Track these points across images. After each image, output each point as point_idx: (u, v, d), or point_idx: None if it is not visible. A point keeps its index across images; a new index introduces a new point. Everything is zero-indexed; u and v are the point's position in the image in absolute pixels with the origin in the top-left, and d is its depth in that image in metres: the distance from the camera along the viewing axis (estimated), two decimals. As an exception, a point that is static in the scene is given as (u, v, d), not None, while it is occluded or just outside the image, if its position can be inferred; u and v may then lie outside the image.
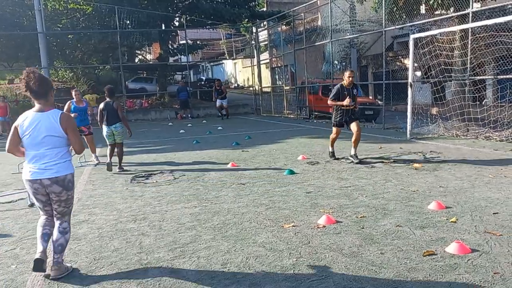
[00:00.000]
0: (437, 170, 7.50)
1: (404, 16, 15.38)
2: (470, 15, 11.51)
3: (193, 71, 45.27)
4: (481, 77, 12.62)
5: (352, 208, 5.46)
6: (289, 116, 22.32)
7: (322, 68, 24.88)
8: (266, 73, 32.38)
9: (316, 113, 20.41)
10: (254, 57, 28.12)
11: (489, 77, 13.18)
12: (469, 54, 11.58)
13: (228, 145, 12.04)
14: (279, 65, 30.86)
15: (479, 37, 11.94)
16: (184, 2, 27.47)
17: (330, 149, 9.06)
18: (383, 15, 14.93)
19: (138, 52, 38.31)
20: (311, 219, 5.07)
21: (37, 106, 3.84)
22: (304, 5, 23.07)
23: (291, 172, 7.81)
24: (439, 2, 13.47)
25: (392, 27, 15.87)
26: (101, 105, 9.04)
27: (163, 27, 27.58)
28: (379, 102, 19.23)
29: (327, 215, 5.03)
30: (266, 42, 29.25)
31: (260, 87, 26.80)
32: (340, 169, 8.04)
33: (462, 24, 12.12)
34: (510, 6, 14.12)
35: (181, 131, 16.76)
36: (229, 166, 8.79)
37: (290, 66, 26.34)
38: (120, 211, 5.90)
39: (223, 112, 22.23)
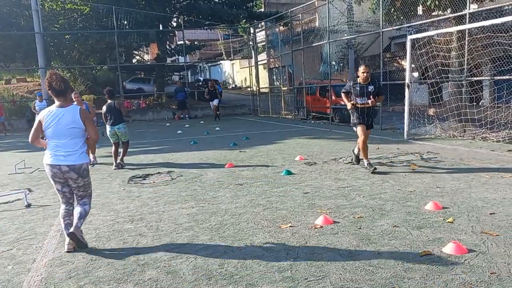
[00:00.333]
0: (434, 171, 7.52)
1: (402, 17, 15.41)
2: (467, 16, 11.54)
3: (190, 71, 45.27)
4: (478, 78, 12.66)
5: (349, 209, 5.47)
6: (287, 116, 22.32)
7: (320, 69, 24.89)
8: (263, 74, 32.39)
9: (314, 114, 20.43)
10: (251, 58, 28.14)
11: (486, 78, 13.21)
12: (466, 55, 11.61)
13: (225, 145, 12.04)
14: (277, 65, 30.86)
15: (476, 38, 11.97)
16: (182, 2, 27.46)
17: (365, 161, 7.72)
18: (381, 16, 14.96)
19: (136, 52, 38.25)
20: (309, 220, 5.08)
21: (57, 102, 4.43)
22: (301, 6, 23.09)
23: (289, 173, 7.81)
24: (436, 3, 13.50)
25: (390, 28, 15.89)
26: (104, 108, 9.28)
27: (161, 28, 27.56)
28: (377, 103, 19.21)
29: (324, 215, 5.04)
30: (264, 43, 29.24)
31: (257, 88, 26.81)
32: (337, 169, 8.05)
33: (459, 25, 12.15)
34: (507, 7, 14.17)
35: (179, 131, 16.75)
36: (226, 166, 8.78)
37: (288, 66, 26.34)
38: (117, 211, 5.89)
39: (218, 113, 22.08)
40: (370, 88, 7.54)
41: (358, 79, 7.61)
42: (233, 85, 44.84)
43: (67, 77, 29.49)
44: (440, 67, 12.63)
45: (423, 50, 12.33)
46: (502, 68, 11.80)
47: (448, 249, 3.94)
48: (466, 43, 11.56)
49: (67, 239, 4.42)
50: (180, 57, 33.51)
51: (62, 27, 26.44)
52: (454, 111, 12.05)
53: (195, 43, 34.47)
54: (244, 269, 3.79)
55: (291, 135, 14.11)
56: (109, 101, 9.30)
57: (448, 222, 4.76)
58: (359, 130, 7.63)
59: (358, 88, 7.53)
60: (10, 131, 21.33)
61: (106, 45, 27.57)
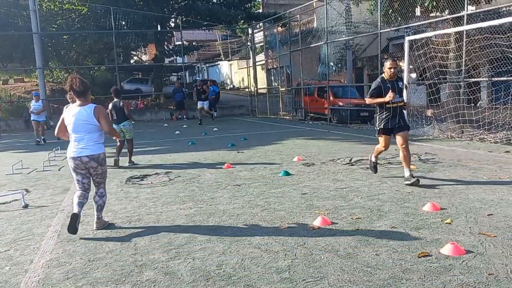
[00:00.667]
0: (432, 172, 7.53)
1: (400, 18, 15.44)
2: (465, 17, 11.57)
3: (188, 72, 45.29)
4: (475, 79, 12.68)
5: (348, 210, 5.47)
6: (285, 117, 22.33)
7: (318, 70, 24.92)
8: (261, 75, 32.35)
9: (312, 115, 20.45)
10: (250, 59, 28.15)
11: (484, 79, 13.24)
12: (463, 56, 11.64)
13: (223, 146, 12.03)
14: (275, 66, 30.89)
15: (474, 39, 12.00)
16: (180, 3, 27.46)
17: (373, 159, 7.18)
18: (379, 17, 14.99)
19: (134, 53, 38.23)
20: (307, 221, 5.07)
21: (78, 102, 5.06)
22: (300, 6, 23.10)
23: (287, 174, 7.81)
24: (434, 4, 13.53)
25: (388, 29, 15.92)
26: (110, 106, 9.63)
27: (159, 28, 27.55)
28: (375, 104, 19.23)
29: (322, 216, 5.04)
30: (262, 44, 29.24)
31: (255, 89, 26.81)
32: (335, 170, 8.05)
33: (457, 26, 12.18)
34: (504, 9, 14.21)
35: (177, 132, 16.74)
36: (224, 167, 8.78)
37: (286, 67, 26.36)
38: (115, 212, 5.88)
39: (203, 115, 20.85)
40: (400, 84, 6.71)
41: (383, 75, 6.72)
42: (231, 86, 44.84)
43: (62, 77, 29.59)
44: (438, 68, 12.66)
45: (421, 51, 12.35)
46: (500, 70, 11.84)
47: (446, 250, 3.94)
48: (464, 44, 11.59)
49: (76, 209, 4.90)
50: (178, 57, 33.49)
51: (60, 28, 26.41)
52: (452, 112, 12.08)
53: (193, 43, 34.47)
54: (242, 270, 3.78)
55: (289, 135, 14.11)
56: (115, 99, 9.67)
57: (446, 223, 4.76)
58: (382, 139, 6.82)
59: (389, 85, 6.56)
60: (8, 132, 21.29)
61: (104, 46, 27.56)
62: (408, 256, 3.92)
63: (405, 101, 6.74)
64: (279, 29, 26.28)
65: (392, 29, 16.39)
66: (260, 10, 33.20)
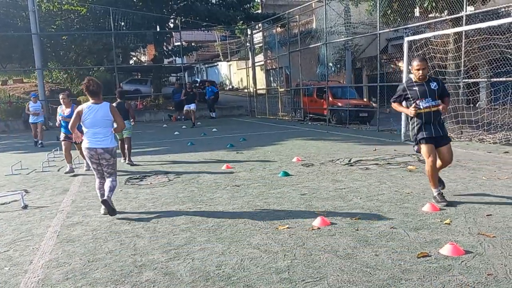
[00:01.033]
0: (431, 172, 7.52)
1: (399, 19, 15.46)
2: (464, 18, 11.59)
3: (187, 73, 45.24)
4: (474, 80, 12.70)
5: (347, 210, 5.47)
6: (284, 118, 22.34)
7: (317, 71, 24.94)
8: (260, 75, 32.37)
9: (311, 115, 20.46)
10: (249, 59, 28.16)
11: (483, 80, 13.26)
12: (462, 57, 11.65)
13: (222, 147, 12.03)
14: (274, 67, 30.88)
15: (473, 40, 12.02)
16: (179, 3, 27.47)
17: (435, 192, 5.63)
18: (378, 17, 15.00)
19: (133, 53, 38.22)
20: (306, 221, 5.08)
21: (92, 100, 5.77)
22: (299, 7, 23.14)
23: (286, 174, 7.81)
24: (433, 5, 13.55)
25: (386, 30, 15.94)
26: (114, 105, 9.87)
27: (158, 29, 27.55)
28: (374, 104, 19.30)
29: (321, 217, 5.04)
30: (261, 44, 29.25)
31: (254, 89, 26.82)
32: (334, 171, 8.05)
33: (456, 27, 12.20)
34: (503, 9, 14.23)
35: (176, 132, 16.74)
36: (223, 168, 8.78)
37: (285, 68, 26.36)
38: (114, 213, 5.87)
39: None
40: (433, 85, 5.56)
41: (412, 76, 5.76)
42: (230, 87, 44.84)
43: (61, 78, 29.59)
44: (437, 69, 12.67)
45: (420, 52, 12.36)
46: (499, 70, 11.85)
47: (445, 250, 3.95)
48: (463, 45, 11.61)
49: (103, 206, 5.69)
50: (177, 58, 33.50)
51: (59, 28, 26.40)
52: (451, 112, 12.08)
53: (192, 44, 34.49)
54: (241, 271, 3.79)
55: (288, 136, 14.12)
56: (119, 100, 9.95)
57: (445, 223, 4.77)
58: (425, 149, 5.53)
59: (416, 88, 5.57)
60: (7, 132, 21.28)
61: (103, 46, 27.54)
62: (407, 257, 3.92)
63: (442, 105, 5.55)
64: (278, 29, 26.29)
65: (391, 29, 16.42)
66: (259, 11, 33.21)
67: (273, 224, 5.04)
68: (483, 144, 10.70)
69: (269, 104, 23.97)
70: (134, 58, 41.42)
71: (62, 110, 9.28)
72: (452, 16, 12.73)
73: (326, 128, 16.62)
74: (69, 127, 5.98)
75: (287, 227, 4.88)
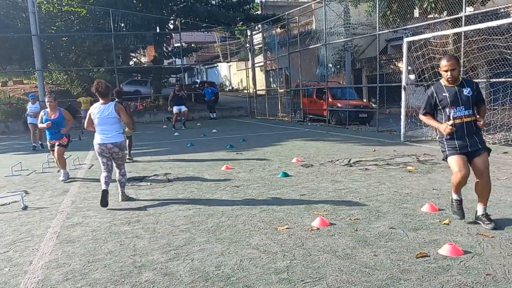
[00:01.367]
0: (430, 173, 7.55)
1: (398, 20, 15.48)
2: (463, 19, 11.60)
3: (187, 74, 45.29)
4: (474, 80, 12.69)
5: (346, 211, 5.48)
6: (284, 119, 22.35)
7: (317, 71, 24.97)
8: (260, 76, 32.41)
9: (311, 116, 20.47)
10: (248, 60, 28.17)
11: (482, 80, 13.26)
12: (462, 57, 11.66)
13: (222, 147, 12.04)
14: (274, 68, 30.93)
15: (472, 40, 12.03)
16: (179, 5, 27.49)
17: (454, 196, 4.88)
18: (377, 18, 15.02)
19: (133, 54, 38.25)
20: (305, 221, 5.09)
21: (101, 101, 6.40)
22: (298, 8, 23.16)
23: (285, 175, 7.82)
24: (433, 6, 13.57)
25: (386, 31, 15.96)
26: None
27: (158, 30, 27.58)
28: (373, 105, 19.32)
29: (321, 217, 5.05)
30: (261, 45, 29.29)
31: (254, 90, 26.84)
32: (334, 171, 8.06)
33: (455, 27, 12.22)
34: (502, 10, 14.25)
35: (176, 133, 16.75)
36: (223, 168, 8.79)
37: (285, 69, 26.38)
38: (114, 213, 5.89)
39: (169, 118, 19.70)
40: (466, 91, 4.56)
41: (441, 80, 4.72)
42: (230, 87, 44.87)
43: (61, 79, 29.60)
44: (436, 70, 12.67)
45: (419, 53, 12.38)
46: (498, 71, 11.86)
47: (444, 250, 3.96)
48: (462, 45, 11.62)
49: (105, 186, 6.22)
50: (177, 59, 33.52)
51: (59, 29, 26.41)
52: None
53: (192, 45, 34.52)
54: (240, 271, 3.80)
55: (288, 137, 14.13)
56: (116, 100, 9.67)
57: (444, 224, 4.77)
58: (453, 162, 4.63)
59: (446, 94, 4.58)
60: (7, 133, 21.29)
61: (103, 47, 27.56)
62: (406, 257, 3.93)
63: (481, 119, 4.62)
64: (278, 30, 26.32)
65: (391, 30, 16.44)
66: (259, 12, 33.24)
67: (272, 224, 5.05)
68: (483, 144, 10.69)
69: (269, 105, 23.98)
70: (134, 59, 41.46)
71: (48, 115, 8.40)
72: (452, 17, 12.75)
73: (325, 129, 16.63)
74: (85, 125, 6.61)
75: (286, 228, 4.89)
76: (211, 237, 4.70)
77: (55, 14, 26.65)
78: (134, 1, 26.52)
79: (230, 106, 28.50)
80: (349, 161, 9.00)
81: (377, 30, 15.12)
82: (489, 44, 11.59)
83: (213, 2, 28.45)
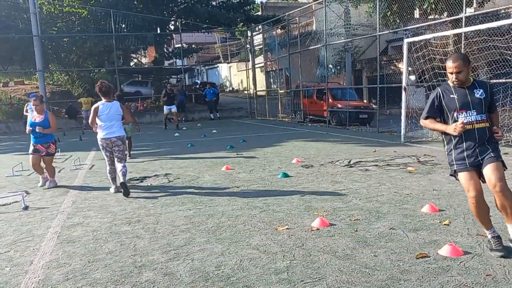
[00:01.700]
0: (431, 174, 7.55)
1: (398, 21, 15.48)
2: (464, 19, 11.62)
3: (188, 74, 45.29)
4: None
5: (346, 211, 5.49)
6: (284, 119, 22.36)
7: (317, 72, 24.98)
8: (261, 77, 32.42)
9: (311, 117, 20.48)
10: (249, 61, 28.19)
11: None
12: (462, 58, 11.65)
13: (222, 148, 12.05)
14: (274, 68, 30.95)
15: (472, 41, 12.04)
16: (180, 6, 27.52)
17: (487, 233, 4.05)
18: (377, 19, 15.03)
19: (134, 55, 38.30)
20: (305, 222, 5.09)
21: (104, 99, 7.09)
22: (299, 9, 23.19)
23: (285, 175, 7.82)
24: (433, 7, 13.58)
25: (386, 31, 15.97)
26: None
27: (158, 31, 27.60)
28: (374, 106, 19.33)
29: (321, 217, 5.06)
30: (261, 46, 29.32)
31: (255, 91, 26.85)
32: (334, 172, 8.07)
33: (456, 28, 12.22)
34: (503, 11, 14.26)
35: (176, 134, 16.76)
36: (223, 169, 8.79)
37: (285, 69, 26.40)
38: (114, 213, 5.90)
39: (171, 118, 20.23)
40: (479, 93, 3.95)
41: (449, 81, 4.08)
42: (230, 88, 44.89)
43: (62, 80, 29.63)
44: (436, 70, 12.67)
45: (419, 53, 12.39)
46: (498, 72, 11.86)
47: (444, 251, 3.96)
48: (463, 46, 11.63)
49: (113, 186, 7.20)
50: (177, 60, 33.54)
51: (60, 30, 26.45)
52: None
53: (193, 46, 34.50)
54: (240, 271, 3.80)
55: (288, 137, 14.14)
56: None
57: (444, 224, 4.78)
58: (464, 180, 3.97)
59: (455, 96, 3.97)
60: (8, 134, 21.32)
61: (104, 48, 27.59)
62: (406, 257, 3.93)
63: (498, 129, 3.96)
64: (278, 31, 26.33)
65: (391, 31, 16.45)
66: (259, 13, 33.27)
67: (272, 225, 5.06)
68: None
69: (269, 106, 23.99)
70: (135, 60, 41.49)
71: (34, 117, 7.92)
72: (452, 18, 12.76)
73: (326, 130, 16.63)
74: (90, 122, 7.20)
75: (286, 228, 4.90)
76: (211, 237, 4.71)
77: (56, 15, 26.70)
78: (135, 2, 26.56)
79: (231, 107, 28.51)
80: (349, 162, 9.01)
81: (378, 31, 15.13)
82: (490, 45, 11.60)
83: (214, 3, 28.48)
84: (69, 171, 9.61)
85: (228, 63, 38.89)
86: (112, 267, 4.03)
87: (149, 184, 7.78)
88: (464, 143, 3.93)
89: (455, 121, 3.92)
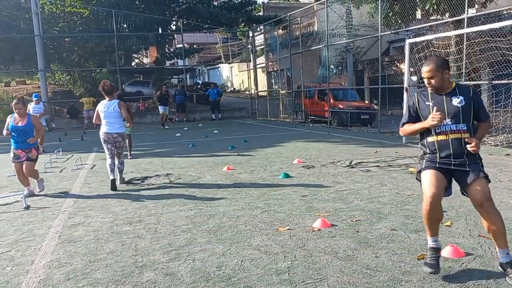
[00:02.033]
0: (432, 174, 7.52)
1: (400, 21, 15.47)
2: (465, 20, 11.60)
3: (189, 75, 45.31)
4: (476, 82, 12.68)
5: (347, 212, 5.48)
6: (285, 120, 22.35)
7: (318, 73, 24.96)
8: (262, 77, 32.39)
9: (312, 117, 20.47)
10: (250, 61, 28.19)
11: (484, 82, 13.25)
12: (464, 59, 11.66)
13: (224, 148, 12.05)
14: (275, 69, 30.93)
15: (474, 42, 12.02)
16: (181, 6, 27.53)
17: (429, 241, 3.67)
18: (379, 20, 15.02)
19: (135, 55, 38.30)
20: (306, 223, 5.09)
21: (107, 98, 7.64)
22: (300, 9, 23.17)
23: (287, 176, 7.82)
24: (435, 7, 13.57)
25: (388, 32, 15.95)
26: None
27: (160, 31, 27.61)
28: (375, 107, 19.31)
29: (322, 218, 5.05)
30: (263, 46, 29.32)
31: (256, 91, 26.85)
32: (335, 173, 8.06)
33: (458, 29, 12.21)
34: (505, 12, 14.24)
35: (177, 134, 16.77)
36: (224, 169, 8.79)
37: (286, 70, 26.40)
38: (115, 213, 5.90)
39: (171, 118, 20.44)
40: (457, 100, 3.55)
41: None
42: (232, 89, 44.89)
43: (64, 80, 29.68)
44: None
45: (421, 54, 12.38)
46: (500, 73, 11.85)
47: (446, 252, 3.95)
48: (465, 47, 11.62)
49: (112, 176, 7.48)
50: (179, 60, 33.56)
51: (62, 30, 26.48)
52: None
53: (194, 46, 34.49)
54: (241, 272, 3.80)
55: (289, 138, 14.13)
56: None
57: (446, 225, 4.77)
58: (425, 178, 3.63)
59: (430, 104, 3.62)
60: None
61: (106, 48, 27.62)
62: (407, 258, 3.93)
63: (471, 140, 3.47)
64: (280, 31, 26.34)
65: (393, 32, 16.43)
66: (261, 13, 33.23)
67: (273, 225, 5.06)
68: (485, 146, 10.69)
69: (271, 106, 23.99)
70: (136, 60, 41.49)
71: (15, 121, 7.22)
72: (454, 19, 12.74)
73: (327, 130, 16.63)
74: (94, 121, 7.84)
75: (288, 229, 4.89)
76: (212, 238, 4.71)
77: (58, 15, 26.74)
78: (137, 2, 26.58)
79: (232, 107, 28.51)
80: (350, 163, 9.00)
81: (379, 32, 15.12)
82: (492, 46, 11.59)
83: (215, 3, 28.47)
84: (70, 170, 9.62)
85: (229, 63, 38.88)
86: (113, 267, 4.03)
87: (150, 184, 7.79)
88: (438, 154, 3.57)
89: (428, 131, 3.60)
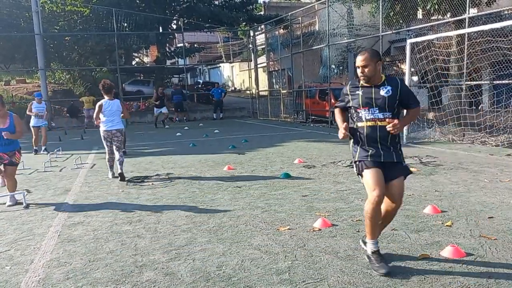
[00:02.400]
0: (433, 175, 7.52)
1: (401, 21, 15.45)
2: (467, 20, 11.58)
3: (190, 74, 45.30)
4: (477, 82, 12.69)
5: (348, 212, 5.47)
6: (286, 120, 22.34)
7: (319, 72, 24.94)
8: (263, 77, 32.39)
9: (313, 117, 20.45)
10: (251, 61, 28.16)
11: (485, 82, 13.25)
12: (465, 59, 11.64)
13: (224, 148, 12.04)
14: (276, 68, 30.91)
15: (476, 42, 12.01)
16: (182, 5, 27.51)
17: (369, 244, 3.82)
18: (380, 19, 15.00)
19: (135, 54, 38.25)
20: (307, 222, 5.07)
21: (107, 97, 8.07)
22: (301, 9, 23.15)
23: (287, 176, 7.80)
24: (436, 7, 13.55)
25: (389, 32, 15.93)
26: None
27: (161, 30, 27.59)
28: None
29: (322, 218, 5.04)
30: (264, 46, 29.29)
31: (257, 91, 26.83)
32: (336, 172, 8.05)
33: (459, 29, 12.19)
34: (506, 12, 14.22)
35: (178, 134, 16.76)
36: (225, 169, 8.78)
37: (287, 70, 26.38)
38: (115, 213, 5.88)
39: (162, 120, 20.66)
40: (384, 90, 3.79)
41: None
42: (233, 88, 44.88)
43: (64, 79, 29.69)
44: (439, 71, 12.66)
45: (422, 54, 12.36)
46: (501, 73, 11.84)
47: (446, 252, 3.94)
48: (466, 47, 11.60)
49: (110, 172, 8.37)
50: (179, 59, 33.55)
51: (62, 29, 26.47)
52: (454, 115, 12.07)
53: (195, 45, 34.50)
54: (242, 271, 3.79)
55: (290, 138, 14.12)
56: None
57: (447, 225, 4.76)
58: (368, 176, 3.76)
59: (359, 93, 3.84)
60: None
61: (106, 47, 27.61)
62: (408, 258, 3.91)
63: (392, 125, 3.71)
64: (281, 31, 26.31)
65: (394, 32, 16.41)
66: (262, 13, 33.23)
67: (274, 225, 5.04)
68: (485, 146, 10.68)
69: (271, 106, 23.97)
70: (137, 59, 41.46)
71: None
72: (455, 19, 12.72)
73: (328, 130, 16.61)
74: (94, 117, 8.16)
75: (288, 228, 4.88)
76: (213, 237, 4.70)
77: (58, 14, 26.71)
78: (137, 1, 26.57)
79: (233, 107, 28.50)
80: (351, 162, 8.96)
81: (380, 31, 15.10)
82: (493, 46, 11.57)
83: (216, 3, 28.46)
84: (70, 170, 9.61)
85: (230, 63, 38.83)
86: (113, 266, 4.02)
87: (150, 184, 7.77)
88: (366, 140, 3.81)
89: (359, 117, 3.84)
